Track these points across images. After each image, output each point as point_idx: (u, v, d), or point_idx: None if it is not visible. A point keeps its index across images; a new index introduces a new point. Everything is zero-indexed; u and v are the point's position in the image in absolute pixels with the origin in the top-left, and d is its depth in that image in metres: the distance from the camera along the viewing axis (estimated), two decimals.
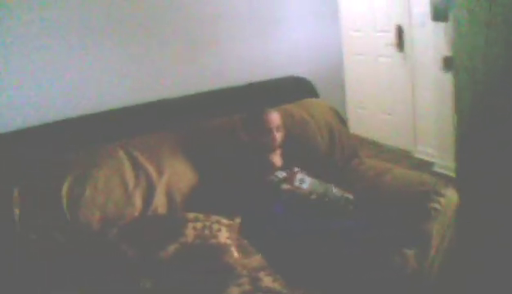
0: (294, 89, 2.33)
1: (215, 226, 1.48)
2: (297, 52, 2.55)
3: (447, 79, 3.00)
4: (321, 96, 2.44)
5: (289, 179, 1.76)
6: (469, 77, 2.89)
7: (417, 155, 3.64)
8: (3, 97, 1.76)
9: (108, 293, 1.30)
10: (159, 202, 1.73)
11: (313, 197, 1.70)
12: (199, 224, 1.47)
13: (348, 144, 2.19)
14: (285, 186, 1.73)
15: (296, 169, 1.84)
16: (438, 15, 3.02)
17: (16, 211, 1.52)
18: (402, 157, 3.63)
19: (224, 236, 1.46)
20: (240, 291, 1.35)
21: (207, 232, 1.45)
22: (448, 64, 2.91)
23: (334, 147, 2.11)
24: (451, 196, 1.75)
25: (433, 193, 1.70)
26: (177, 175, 1.80)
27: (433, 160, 3.42)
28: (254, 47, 2.38)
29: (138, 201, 1.69)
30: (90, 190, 1.62)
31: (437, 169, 3.31)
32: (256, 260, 1.51)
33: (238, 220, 1.59)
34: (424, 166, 3.38)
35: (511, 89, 2.66)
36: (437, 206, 1.68)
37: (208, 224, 1.48)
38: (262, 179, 1.77)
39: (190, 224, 1.47)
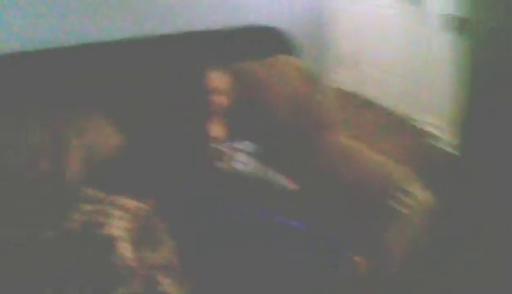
0: (262, 42, 1.95)
1: (109, 210, 1.21)
2: None
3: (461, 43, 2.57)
4: (301, 52, 2.05)
5: (226, 156, 1.47)
6: (489, 43, 2.46)
7: (417, 123, 3.27)
8: None
9: None
10: (72, 170, 1.47)
11: (248, 181, 1.41)
12: (89, 207, 1.20)
13: (317, 113, 1.85)
14: (219, 164, 1.44)
15: (238, 144, 1.54)
16: None
17: None
18: (400, 124, 3.26)
19: (118, 224, 1.19)
20: None
21: (97, 218, 1.19)
22: (463, 26, 2.48)
23: (297, 117, 1.78)
24: (418, 195, 1.42)
25: (393, 191, 1.38)
26: (98, 139, 1.52)
27: (434, 132, 3.05)
28: None
29: (45, 166, 1.44)
30: None
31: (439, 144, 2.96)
32: (162, 254, 1.26)
33: (152, 201, 1.33)
34: (421, 138, 3.02)
35: None
36: (396, 206, 1.37)
37: (101, 207, 1.21)
38: (193, 152, 1.49)
39: (81, 207, 1.21)
